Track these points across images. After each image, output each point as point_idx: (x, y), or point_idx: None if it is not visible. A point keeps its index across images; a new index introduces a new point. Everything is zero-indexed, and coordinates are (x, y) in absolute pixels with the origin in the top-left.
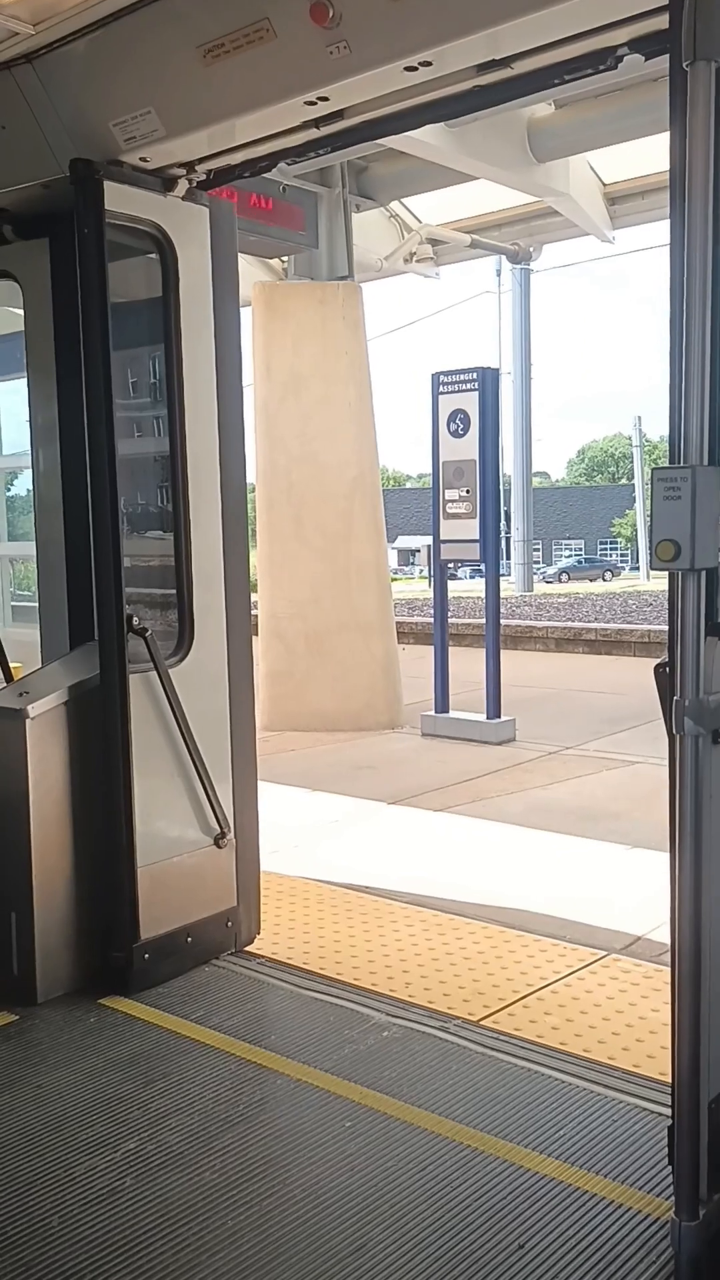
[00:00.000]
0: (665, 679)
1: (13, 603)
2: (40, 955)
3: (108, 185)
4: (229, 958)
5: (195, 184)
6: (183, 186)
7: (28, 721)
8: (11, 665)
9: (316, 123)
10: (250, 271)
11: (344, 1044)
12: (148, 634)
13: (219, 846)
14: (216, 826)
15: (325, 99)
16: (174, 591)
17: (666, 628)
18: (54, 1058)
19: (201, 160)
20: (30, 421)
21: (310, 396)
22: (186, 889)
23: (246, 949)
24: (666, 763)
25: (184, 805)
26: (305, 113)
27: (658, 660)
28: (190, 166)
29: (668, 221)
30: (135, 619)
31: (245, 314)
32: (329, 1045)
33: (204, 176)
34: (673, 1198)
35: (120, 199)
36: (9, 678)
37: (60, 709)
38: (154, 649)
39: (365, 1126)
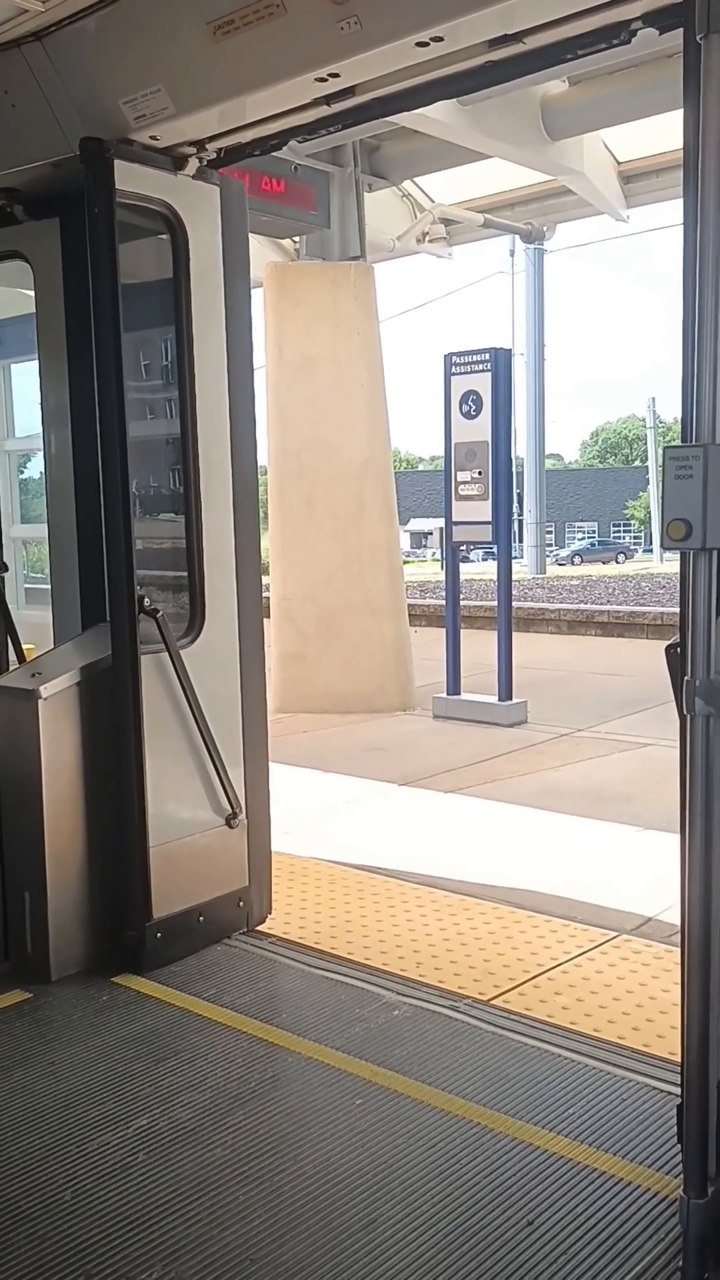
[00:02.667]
0: (676, 659)
1: (25, 585)
2: (53, 934)
3: (118, 164)
4: (240, 937)
5: (205, 163)
6: (193, 165)
7: (40, 702)
8: (25, 647)
9: (328, 100)
10: (262, 252)
11: (355, 1022)
12: (159, 615)
13: (230, 827)
14: (228, 807)
15: (336, 75)
16: (184, 573)
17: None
18: (67, 1035)
19: (212, 138)
20: (41, 403)
21: (322, 378)
22: (198, 869)
23: (258, 928)
24: (678, 745)
25: (195, 786)
26: (316, 90)
27: (670, 642)
28: (200, 145)
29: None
30: (147, 600)
31: (256, 295)
32: (340, 1024)
33: (214, 155)
34: (681, 1175)
35: (131, 178)
36: (22, 659)
37: (72, 690)
38: (165, 630)
39: (375, 1104)
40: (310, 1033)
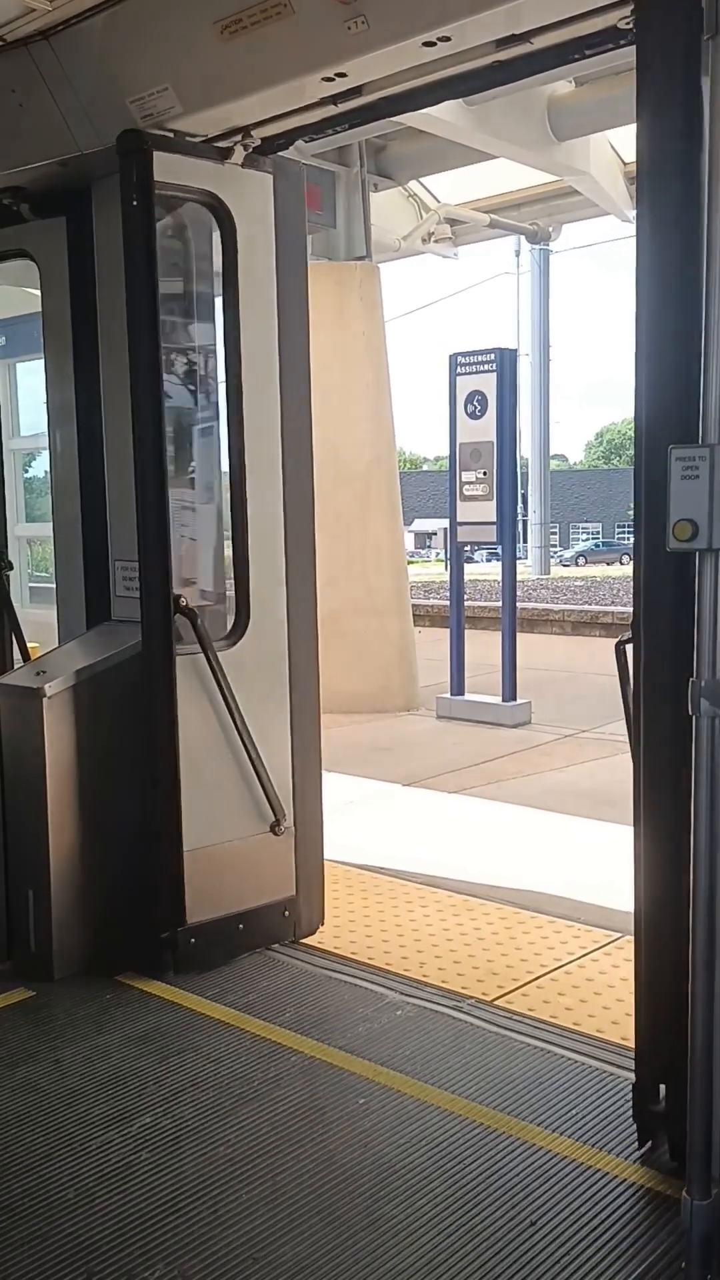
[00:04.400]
0: (628, 657)
1: (30, 584)
2: (57, 932)
3: (158, 156)
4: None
5: (251, 149)
6: (239, 153)
7: (45, 700)
8: (29, 645)
9: (334, 99)
10: None
11: (358, 1022)
12: (196, 615)
13: (275, 834)
14: (271, 814)
15: (343, 75)
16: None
17: (687, 613)
18: (70, 1033)
19: (257, 124)
20: (47, 402)
21: (327, 378)
22: (239, 876)
23: (304, 940)
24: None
25: (235, 791)
26: (323, 89)
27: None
28: (245, 131)
29: None
30: (183, 599)
31: None
32: (343, 1023)
33: (258, 142)
34: (685, 1177)
35: (171, 170)
36: (26, 657)
37: (77, 689)
38: (201, 630)
39: (379, 1104)
40: (313, 1032)
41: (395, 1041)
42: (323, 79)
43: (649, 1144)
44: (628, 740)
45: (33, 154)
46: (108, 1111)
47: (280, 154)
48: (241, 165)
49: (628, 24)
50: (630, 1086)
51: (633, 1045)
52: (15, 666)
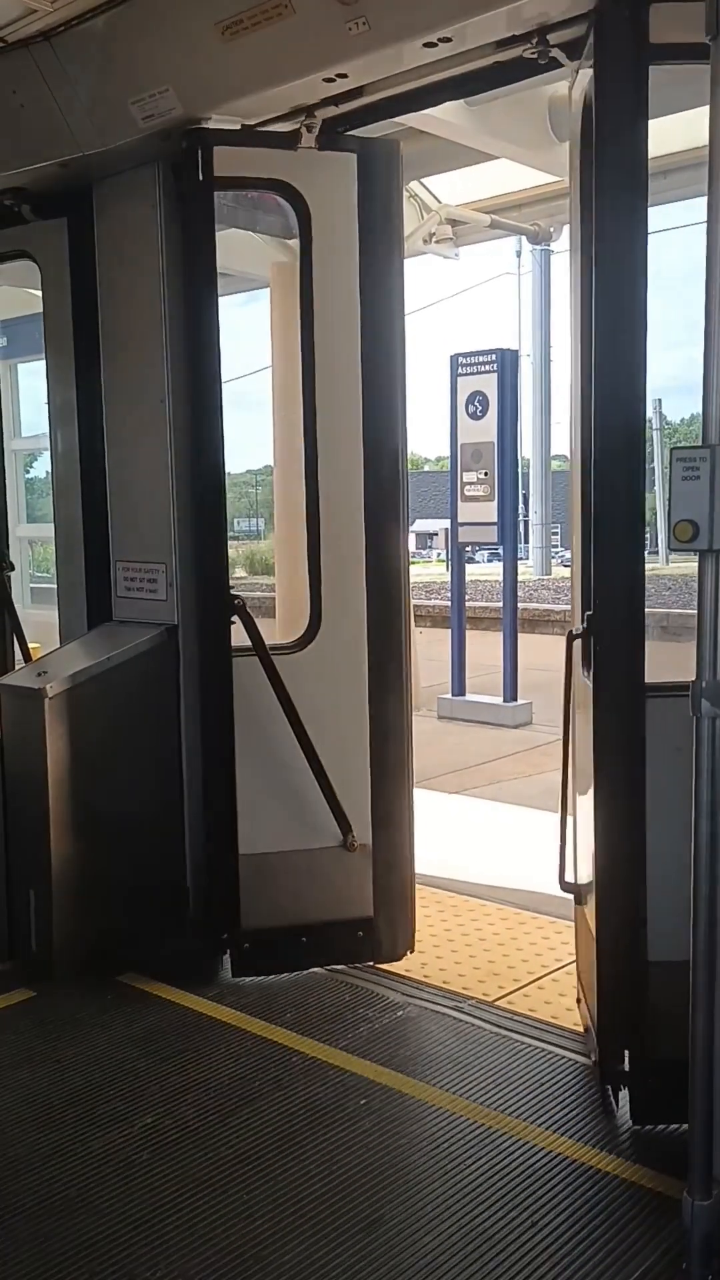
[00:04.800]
0: (581, 650)
1: (31, 584)
2: (58, 933)
3: (220, 151)
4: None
5: (319, 130)
6: (307, 136)
7: (46, 701)
8: (30, 645)
9: (335, 100)
10: (268, 252)
11: (359, 1022)
12: (251, 616)
13: (347, 849)
14: (338, 829)
15: (344, 76)
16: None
17: (687, 611)
18: (71, 1033)
19: (320, 104)
20: (48, 402)
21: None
22: (302, 888)
23: (383, 965)
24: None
25: (294, 800)
26: (324, 90)
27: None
28: (309, 111)
29: (691, 202)
30: (238, 599)
31: (264, 295)
32: (344, 1024)
33: (319, 122)
34: (686, 1178)
35: (237, 163)
36: (28, 657)
37: (79, 689)
38: (255, 631)
39: (379, 1104)
40: (314, 1032)
41: (396, 1042)
42: (324, 79)
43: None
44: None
45: (33, 155)
46: (109, 1112)
47: (368, 131)
48: (319, 148)
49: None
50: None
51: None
52: (17, 667)
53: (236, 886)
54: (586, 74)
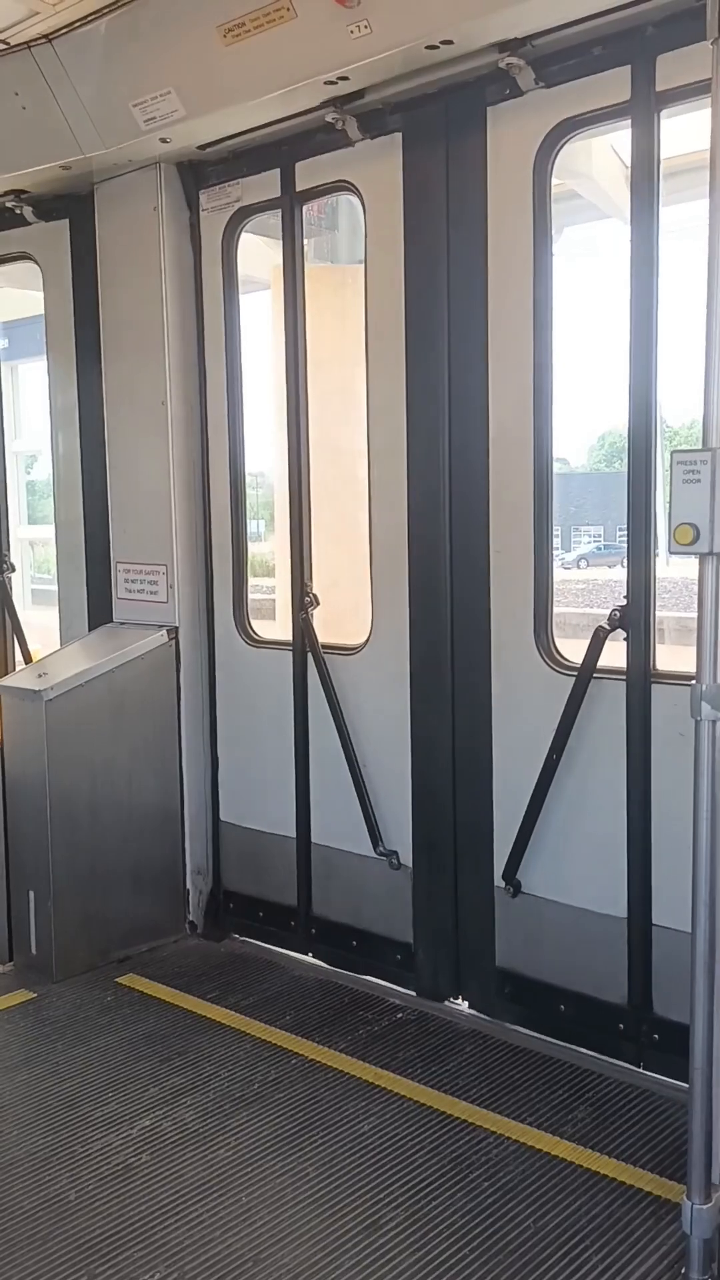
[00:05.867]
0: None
1: (32, 585)
2: (58, 934)
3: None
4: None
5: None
6: (353, 122)
7: (46, 703)
8: (30, 647)
9: (337, 102)
10: (269, 255)
11: (359, 1025)
12: (309, 611)
13: (391, 867)
14: (372, 842)
15: (346, 79)
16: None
17: (689, 614)
18: (71, 1035)
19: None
20: (49, 404)
21: (328, 382)
22: (353, 893)
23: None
24: None
25: (346, 803)
26: (325, 92)
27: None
28: (347, 100)
29: (692, 205)
30: (310, 595)
31: (265, 297)
32: (344, 1026)
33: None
34: (685, 1181)
35: (314, 172)
36: (28, 659)
37: (79, 691)
38: (310, 631)
39: (379, 1106)
40: (314, 1035)
41: (395, 1044)
42: (325, 82)
43: None
44: None
45: (35, 157)
46: (109, 1114)
47: (411, 106)
48: (367, 136)
49: None
50: (627, 1090)
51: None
52: (17, 668)
53: (309, 873)
54: None
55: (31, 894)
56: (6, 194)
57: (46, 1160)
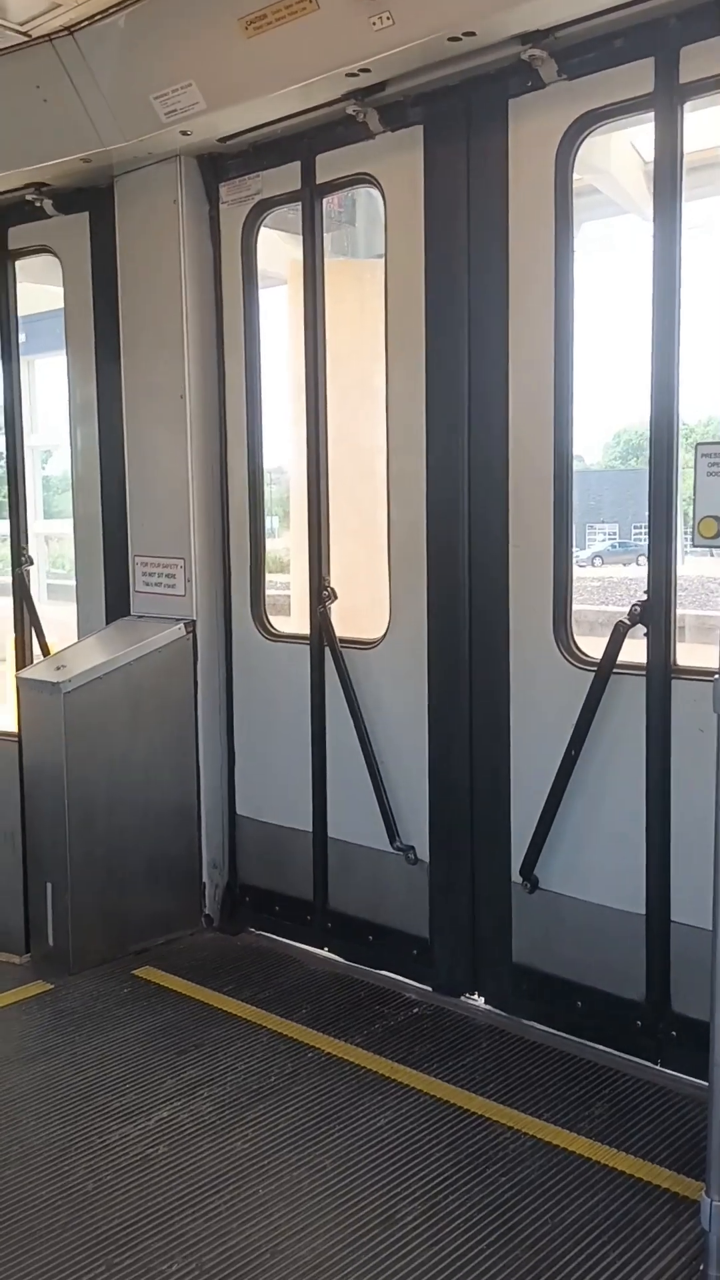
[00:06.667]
0: None
1: (48, 580)
2: (75, 926)
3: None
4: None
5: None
6: (374, 115)
7: (64, 695)
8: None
9: (358, 95)
10: (286, 250)
11: (375, 1019)
12: (327, 604)
13: (408, 862)
14: (388, 836)
15: (367, 71)
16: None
17: (707, 612)
18: (88, 1026)
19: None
20: (69, 398)
21: (346, 377)
22: (367, 886)
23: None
24: None
25: (364, 797)
26: (347, 84)
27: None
28: (363, 94)
29: (709, 200)
30: (329, 589)
31: (281, 292)
32: (360, 1020)
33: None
34: (703, 1177)
35: (333, 166)
36: (46, 652)
37: (96, 683)
38: (328, 624)
39: (395, 1101)
40: (330, 1029)
41: (412, 1039)
42: (346, 74)
43: None
44: None
45: (56, 149)
46: (126, 1105)
47: (433, 98)
48: (388, 128)
49: None
50: (645, 1086)
51: None
52: (34, 661)
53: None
54: None
55: (49, 886)
56: (27, 187)
57: (65, 1150)
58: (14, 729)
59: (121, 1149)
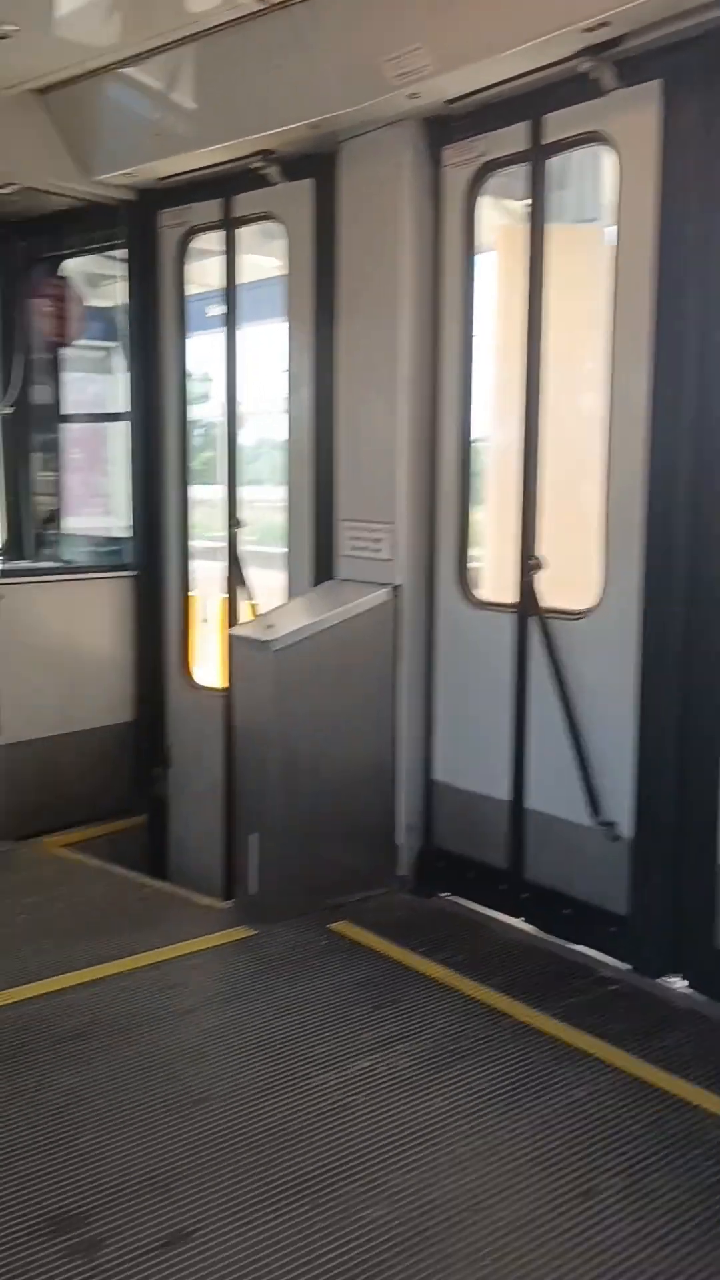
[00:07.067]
0: None
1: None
2: (278, 878)
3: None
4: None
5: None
6: (608, 71)
7: (273, 653)
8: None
9: (593, 50)
10: (490, 215)
11: (570, 993)
12: (534, 573)
13: (609, 838)
14: (590, 811)
15: (606, 25)
16: None
17: None
18: (288, 974)
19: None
20: (288, 365)
21: (553, 344)
22: (569, 860)
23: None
24: None
25: (564, 768)
26: (582, 40)
27: None
28: (605, 47)
29: None
30: (534, 558)
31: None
32: (555, 992)
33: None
34: None
35: (562, 126)
36: (254, 613)
37: (305, 643)
38: (534, 594)
39: (593, 1075)
40: (525, 998)
41: (608, 1014)
42: (584, 29)
43: None
44: None
45: (286, 116)
46: (325, 1053)
47: (673, 51)
48: (623, 85)
49: None
50: None
51: None
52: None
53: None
54: None
55: (255, 837)
56: (254, 155)
57: (267, 1090)
58: (219, 685)
59: (321, 1094)
